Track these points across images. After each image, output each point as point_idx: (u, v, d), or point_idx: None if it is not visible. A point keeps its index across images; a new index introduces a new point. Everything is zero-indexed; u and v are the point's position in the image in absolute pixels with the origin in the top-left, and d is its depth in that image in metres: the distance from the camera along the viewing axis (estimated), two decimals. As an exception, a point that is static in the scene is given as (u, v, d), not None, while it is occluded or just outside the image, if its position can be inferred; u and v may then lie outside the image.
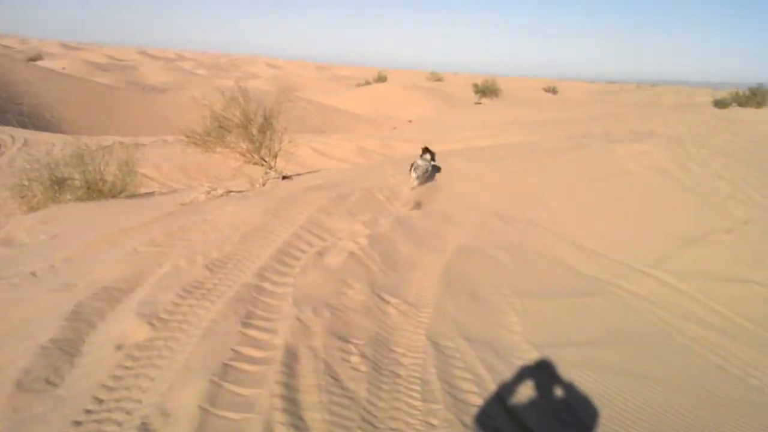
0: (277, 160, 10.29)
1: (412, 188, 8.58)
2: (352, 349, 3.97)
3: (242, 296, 4.59)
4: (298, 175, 10.65)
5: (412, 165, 8.68)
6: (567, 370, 4.46)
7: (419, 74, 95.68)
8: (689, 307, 6.60)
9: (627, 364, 4.94)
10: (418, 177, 8.58)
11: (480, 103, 44.71)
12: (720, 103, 44.96)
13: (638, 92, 78.38)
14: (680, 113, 19.14)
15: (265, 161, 10.10)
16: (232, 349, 3.78)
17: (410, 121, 30.72)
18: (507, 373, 4.20)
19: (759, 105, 42.06)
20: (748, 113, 38.78)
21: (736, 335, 6.14)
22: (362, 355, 3.92)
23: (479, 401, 3.76)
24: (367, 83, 58.54)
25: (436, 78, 79.72)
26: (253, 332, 4.05)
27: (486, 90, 50.52)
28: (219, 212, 6.93)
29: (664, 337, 5.79)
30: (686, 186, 10.06)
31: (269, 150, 10.12)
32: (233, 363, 3.64)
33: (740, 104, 43.18)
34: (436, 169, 9.29)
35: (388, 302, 4.91)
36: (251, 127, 9.88)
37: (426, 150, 8.99)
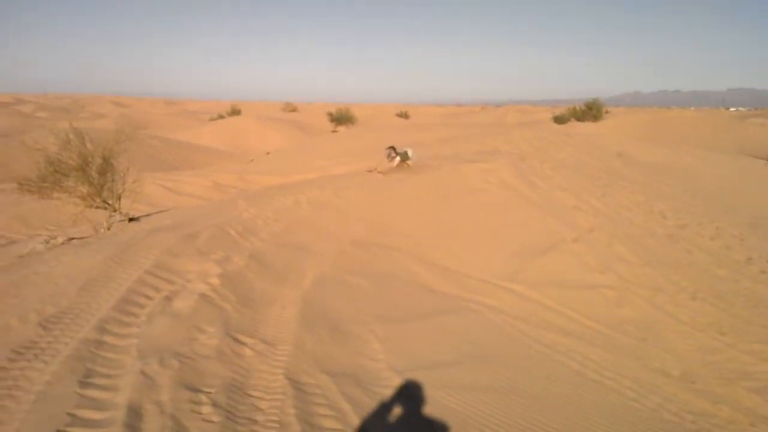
0: (123, 201, 9.73)
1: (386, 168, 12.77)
2: (204, 399, 3.71)
3: (80, 353, 4.19)
4: (147, 215, 10.13)
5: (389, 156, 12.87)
6: (430, 393, 4.43)
7: (274, 105, 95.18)
8: (545, 316, 6.84)
9: (489, 379, 5.00)
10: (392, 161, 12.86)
11: (336, 131, 45.08)
12: (559, 119, 48.03)
13: (483, 113, 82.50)
14: (522, 131, 20.15)
15: (108, 204, 9.51)
16: (68, 413, 3.41)
17: (268, 153, 30.33)
18: (370, 404, 4.10)
19: (595, 118, 45.25)
20: (586, 127, 41.68)
21: (590, 339, 6.43)
22: (215, 405, 3.67)
23: (342, 438, 3.63)
24: (221, 117, 57.41)
25: (291, 108, 79.80)
26: (92, 392, 3.69)
27: (341, 118, 51.24)
28: (55, 263, 6.38)
29: (523, 347, 5.95)
30: (532, 200, 10.53)
31: (112, 192, 9.54)
32: (69, 429, 3.28)
33: (578, 119, 46.30)
34: (405, 156, 12.97)
35: (243, 343, 4.68)
36: (90, 168, 9.26)
37: (392, 148, 12.97)
